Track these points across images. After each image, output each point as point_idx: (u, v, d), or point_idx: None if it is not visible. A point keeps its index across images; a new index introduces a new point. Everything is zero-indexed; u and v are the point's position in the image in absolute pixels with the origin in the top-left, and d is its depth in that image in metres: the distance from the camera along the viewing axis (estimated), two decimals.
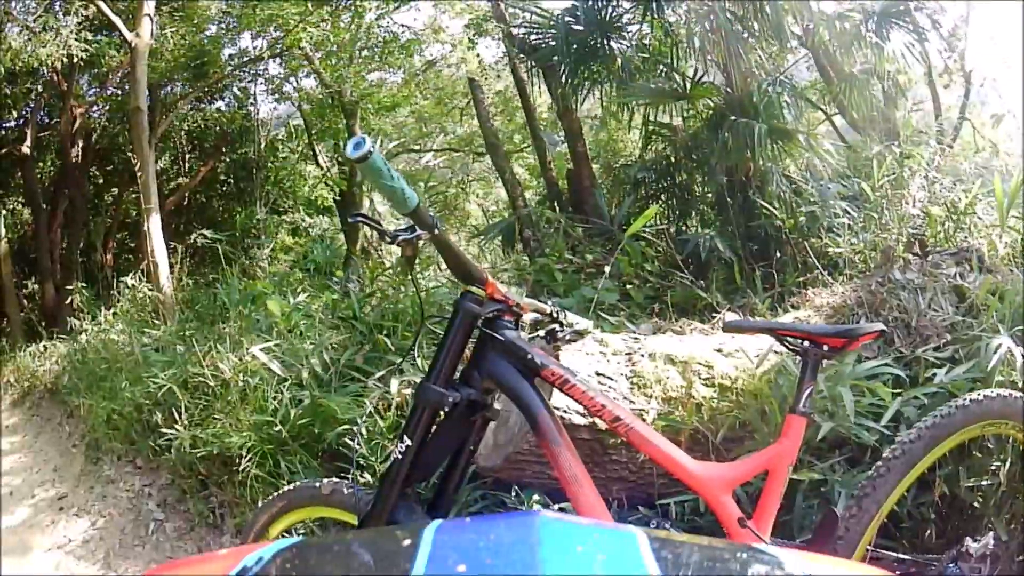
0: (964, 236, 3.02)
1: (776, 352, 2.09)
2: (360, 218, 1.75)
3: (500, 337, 1.65)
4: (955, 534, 2.00)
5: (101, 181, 9.41)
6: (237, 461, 2.70)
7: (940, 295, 2.56)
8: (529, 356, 1.63)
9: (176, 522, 3.37)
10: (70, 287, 6.02)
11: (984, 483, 2.02)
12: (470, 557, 0.61)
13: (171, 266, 5.11)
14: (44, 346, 6.30)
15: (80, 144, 8.45)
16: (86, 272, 7.32)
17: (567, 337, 1.81)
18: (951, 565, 1.79)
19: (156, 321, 4.21)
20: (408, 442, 1.66)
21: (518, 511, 0.66)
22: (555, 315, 1.81)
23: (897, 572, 1.78)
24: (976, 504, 2.04)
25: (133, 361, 3.87)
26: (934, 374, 2.19)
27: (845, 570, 0.82)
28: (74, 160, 8.40)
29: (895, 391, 2.14)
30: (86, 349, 4.91)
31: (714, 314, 2.36)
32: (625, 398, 1.85)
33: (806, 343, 1.72)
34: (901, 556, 1.83)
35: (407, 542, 0.64)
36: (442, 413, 1.69)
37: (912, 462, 1.73)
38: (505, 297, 1.68)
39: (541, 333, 1.80)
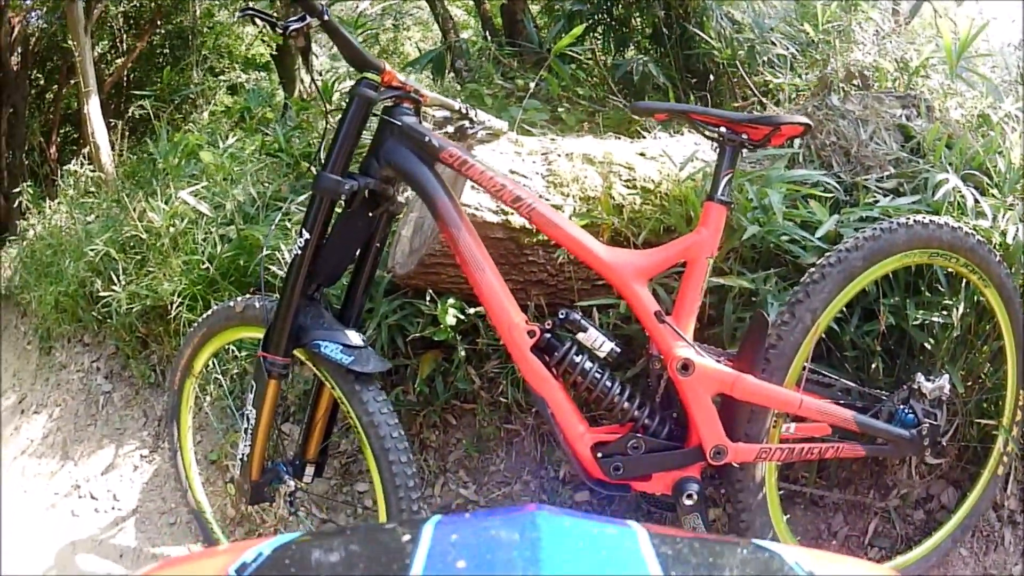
0: (916, 93, 2.90)
1: (702, 159, 2.02)
2: (249, 11, 1.68)
3: (397, 123, 1.59)
4: (904, 374, 1.94)
5: (42, 82, 9.21)
6: (171, 310, 2.67)
7: (883, 130, 2.46)
8: (427, 139, 1.57)
9: (122, 390, 3.36)
10: (18, 190, 5.87)
11: (936, 320, 1.94)
12: (470, 553, 0.60)
13: (112, 144, 5.01)
14: None
15: (19, 51, 8.22)
16: (32, 172, 7.18)
17: (479, 135, 1.75)
18: (903, 407, 1.75)
19: (97, 200, 4.13)
20: (307, 236, 1.61)
21: (517, 506, 0.66)
22: (464, 112, 1.74)
23: (840, 401, 1.75)
24: (927, 345, 1.97)
25: (76, 240, 3.80)
26: (876, 200, 2.10)
27: (849, 568, 0.81)
28: (14, 68, 8.19)
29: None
30: (34, 243, 4.83)
31: (646, 135, 2.28)
32: (541, 196, 1.79)
33: (723, 129, 1.64)
34: (846, 383, 1.78)
35: (407, 537, 0.64)
36: (342, 205, 1.64)
37: (850, 274, 1.66)
38: (403, 84, 1.62)
39: (450, 129, 1.73)
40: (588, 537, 0.66)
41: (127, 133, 5.05)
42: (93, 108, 5.19)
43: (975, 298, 1.97)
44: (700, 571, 0.63)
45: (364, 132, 1.65)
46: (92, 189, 4.40)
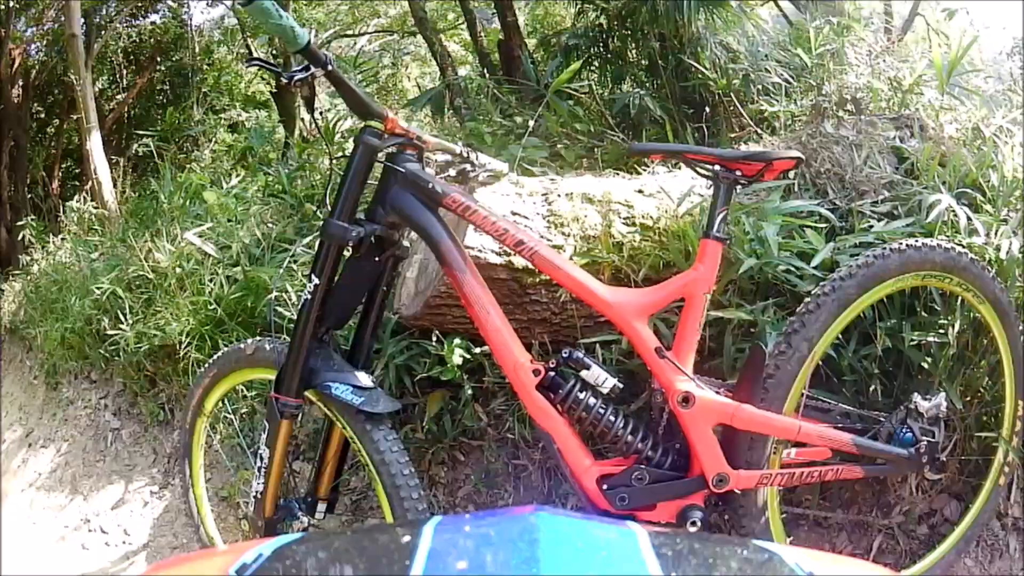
0: (908, 113, 2.93)
1: (699, 194, 2.07)
2: (255, 62, 1.74)
3: (401, 169, 1.64)
4: (903, 394, 1.96)
5: (43, 115, 9.30)
6: (179, 349, 2.71)
7: (877, 153, 2.48)
8: (430, 185, 1.61)
9: (131, 427, 3.39)
10: (21, 224, 5.91)
11: (932, 340, 1.96)
12: (470, 554, 0.61)
13: (114, 181, 5.05)
14: (1, 289, 6.19)
15: (20, 83, 8.29)
16: (35, 206, 7.22)
17: (480, 178, 1.79)
18: (901, 427, 1.78)
19: (101, 238, 4.17)
20: (316, 281, 1.66)
21: (516, 508, 0.67)
22: (465, 155, 1.79)
23: (839, 425, 1.78)
24: (924, 364, 2.00)
25: (81, 277, 3.84)
26: (870, 225, 2.13)
27: (849, 569, 0.82)
28: (16, 100, 8.25)
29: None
30: (38, 278, 4.87)
31: (644, 170, 2.33)
32: (542, 237, 1.84)
33: (717, 167, 1.68)
34: (845, 407, 1.81)
35: (407, 539, 0.65)
36: (349, 251, 1.68)
37: (845, 301, 1.69)
38: (406, 131, 1.66)
39: (452, 173, 1.78)
40: (587, 537, 0.67)
41: (129, 170, 5.10)
42: (95, 144, 5.24)
43: (971, 315, 1.99)
44: (700, 571, 0.64)
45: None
46: (96, 226, 4.44)
